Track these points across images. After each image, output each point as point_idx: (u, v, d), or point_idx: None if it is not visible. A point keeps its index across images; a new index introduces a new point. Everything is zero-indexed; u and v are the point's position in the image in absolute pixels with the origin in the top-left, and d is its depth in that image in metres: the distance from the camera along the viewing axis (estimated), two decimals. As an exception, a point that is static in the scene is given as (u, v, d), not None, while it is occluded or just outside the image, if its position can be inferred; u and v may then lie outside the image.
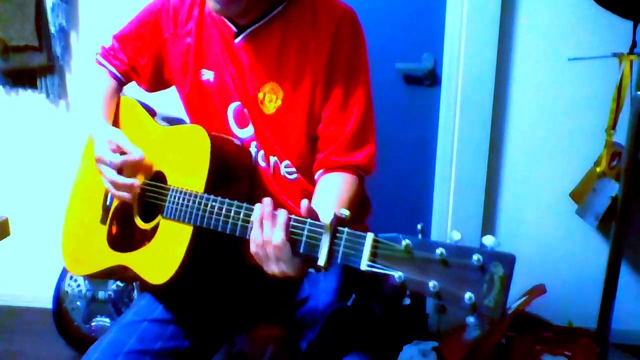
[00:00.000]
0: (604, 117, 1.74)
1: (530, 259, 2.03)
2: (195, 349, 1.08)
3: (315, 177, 1.09)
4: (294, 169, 1.12)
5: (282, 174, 1.12)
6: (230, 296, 1.15)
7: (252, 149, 1.13)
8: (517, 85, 1.92)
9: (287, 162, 1.11)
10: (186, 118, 1.24)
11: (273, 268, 0.86)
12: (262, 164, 1.13)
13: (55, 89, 2.10)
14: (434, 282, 0.68)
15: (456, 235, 0.69)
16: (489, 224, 2.02)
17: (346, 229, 0.78)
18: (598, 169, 1.79)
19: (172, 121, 1.23)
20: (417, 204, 2.08)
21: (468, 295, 0.65)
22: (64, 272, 1.92)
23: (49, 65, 2.06)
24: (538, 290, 1.91)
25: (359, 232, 0.77)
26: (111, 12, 2.02)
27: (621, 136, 1.66)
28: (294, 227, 0.83)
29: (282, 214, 0.85)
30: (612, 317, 1.67)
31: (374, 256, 0.74)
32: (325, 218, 0.80)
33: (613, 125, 1.71)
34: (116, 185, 1.08)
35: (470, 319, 0.66)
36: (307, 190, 1.10)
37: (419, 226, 0.74)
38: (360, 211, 1.24)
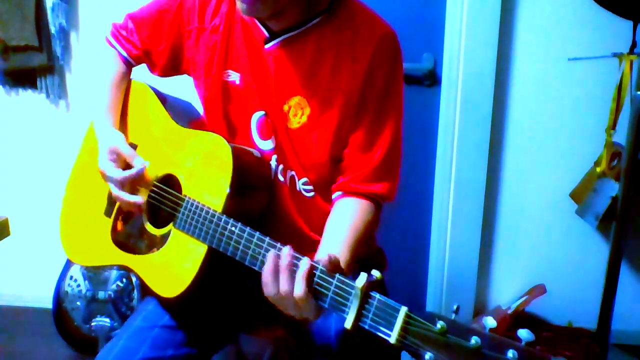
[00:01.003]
0: (604, 117, 1.74)
1: (530, 259, 2.03)
2: (204, 354, 1.07)
3: (333, 197, 1.05)
4: (311, 187, 1.07)
5: (298, 189, 1.08)
6: (238, 305, 1.13)
7: (273, 162, 1.08)
8: (517, 85, 1.91)
9: (305, 179, 1.07)
10: (198, 106, 1.18)
11: (293, 313, 0.83)
12: (281, 178, 1.08)
13: (55, 89, 2.10)
14: None
15: (491, 322, 0.68)
16: (489, 224, 2.02)
17: (377, 296, 0.75)
18: (598, 169, 1.79)
19: (183, 109, 1.18)
20: (417, 204, 2.07)
21: None
22: (64, 272, 1.91)
23: (49, 65, 2.06)
24: (538, 290, 1.91)
25: (392, 303, 0.74)
26: (111, 12, 2.02)
27: (621, 136, 1.66)
28: (320, 278, 0.80)
29: (304, 263, 0.80)
30: (612, 317, 1.67)
31: (405, 332, 0.72)
32: (359, 281, 0.76)
33: (613, 125, 1.71)
34: (121, 201, 1.06)
35: None
36: (323, 208, 1.07)
37: (454, 307, 0.72)
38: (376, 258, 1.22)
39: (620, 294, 1.66)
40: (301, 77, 1.02)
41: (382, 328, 0.74)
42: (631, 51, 1.62)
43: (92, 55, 1.98)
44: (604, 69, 1.81)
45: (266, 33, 1.03)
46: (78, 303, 1.88)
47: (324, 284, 0.79)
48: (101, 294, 1.86)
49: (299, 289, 0.79)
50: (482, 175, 1.96)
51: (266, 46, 1.03)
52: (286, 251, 0.83)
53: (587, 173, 1.87)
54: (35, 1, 1.98)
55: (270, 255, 0.83)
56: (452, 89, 1.91)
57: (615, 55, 1.67)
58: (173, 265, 0.99)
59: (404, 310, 0.72)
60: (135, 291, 1.86)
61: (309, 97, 1.02)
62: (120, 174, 1.04)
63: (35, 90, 2.11)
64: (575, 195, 1.91)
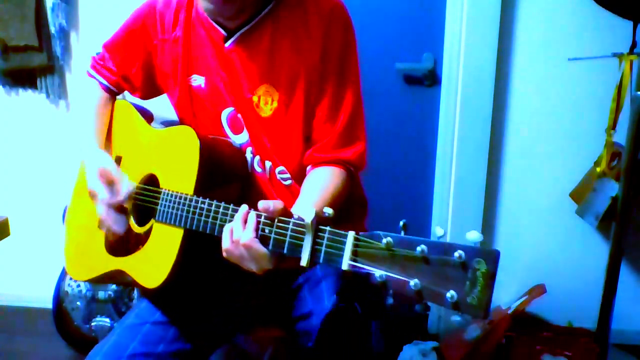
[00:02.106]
0: (604, 117, 1.74)
1: (530, 259, 2.03)
2: (197, 351, 1.08)
3: (307, 172, 1.09)
4: (288, 175, 1.11)
5: (277, 178, 1.11)
6: (228, 300, 1.14)
7: (248, 155, 1.11)
8: (517, 85, 1.91)
9: (281, 167, 1.10)
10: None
11: (252, 267, 0.86)
12: (259, 169, 1.12)
13: (55, 89, 2.10)
14: (415, 280, 0.66)
15: (439, 231, 0.68)
16: (489, 224, 2.02)
17: (328, 228, 0.77)
18: (598, 169, 1.79)
19: (169, 124, 1.22)
20: (417, 204, 2.08)
21: (450, 293, 0.63)
22: (64, 272, 1.92)
23: (49, 65, 2.06)
24: (538, 290, 1.91)
25: (340, 231, 0.75)
26: (111, 12, 2.02)
27: (621, 136, 1.66)
28: (279, 227, 0.82)
29: (252, 214, 0.84)
30: (612, 317, 1.67)
31: (355, 255, 0.73)
32: (307, 217, 0.78)
33: (613, 125, 1.71)
34: (106, 225, 1.08)
35: (456, 318, 0.65)
36: None
37: (401, 223, 0.73)
38: (358, 212, 1.23)
39: (620, 294, 1.66)
40: (264, 66, 1.07)
41: (334, 258, 0.75)
42: (631, 51, 1.62)
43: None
44: (604, 69, 1.81)
45: (224, 32, 1.08)
46: (78, 303, 1.88)
47: (281, 231, 0.82)
48: (101, 294, 1.86)
49: (247, 235, 0.83)
50: (482, 175, 1.96)
51: (226, 44, 1.08)
52: (243, 209, 0.86)
53: (587, 173, 1.87)
54: (35, 1, 1.98)
55: (229, 212, 0.89)
56: (452, 89, 1.91)
57: (615, 55, 1.67)
58: (155, 256, 1.02)
59: (351, 234, 0.74)
60: (135, 291, 1.86)
61: (275, 83, 1.07)
62: (108, 198, 1.07)
63: (35, 90, 2.12)
64: (575, 195, 1.91)
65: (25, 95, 2.16)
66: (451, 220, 2.00)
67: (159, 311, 1.08)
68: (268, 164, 1.11)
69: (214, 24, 1.08)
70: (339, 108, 1.07)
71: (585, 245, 1.99)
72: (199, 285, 1.10)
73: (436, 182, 2.03)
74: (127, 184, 1.08)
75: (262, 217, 0.84)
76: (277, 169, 1.11)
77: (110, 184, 1.08)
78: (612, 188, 1.74)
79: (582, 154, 1.89)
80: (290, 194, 1.11)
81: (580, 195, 1.88)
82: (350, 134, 1.08)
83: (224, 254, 0.88)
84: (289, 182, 1.11)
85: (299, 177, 1.10)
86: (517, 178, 1.99)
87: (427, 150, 2.02)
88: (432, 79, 1.97)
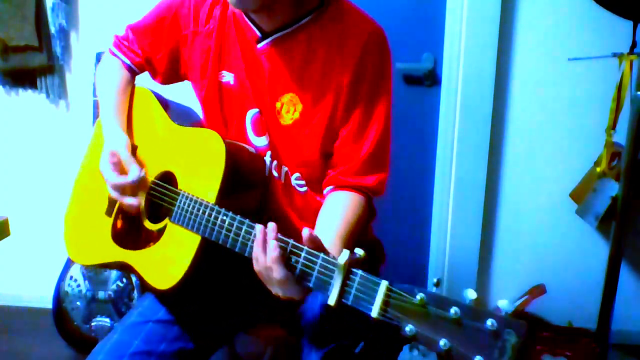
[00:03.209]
0: (604, 117, 1.74)
1: (530, 259, 2.03)
2: (198, 350, 1.08)
3: (325, 191, 1.08)
4: (304, 182, 1.10)
5: (292, 184, 1.11)
6: (233, 300, 1.14)
7: (267, 158, 1.11)
8: (517, 85, 1.91)
9: (297, 174, 1.10)
10: (199, 111, 1.21)
11: (276, 291, 0.85)
12: (275, 174, 1.11)
13: (55, 89, 2.10)
14: (445, 340, 0.67)
15: (471, 295, 0.69)
16: (489, 224, 2.02)
17: (360, 272, 0.76)
18: (598, 169, 1.79)
19: (184, 113, 1.20)
20: (417, 204, 2.08)
21: (478, 358, 0.65)
22: (64, 272, 1.92)
23: (49, 65, 2.06)
24: (538, 290, 1.91)
25: (373, 278, 0.75)
26: (111, 12, 2.02)
27: (621, 136, 1.66)
28: (306, 259, 0.82)
29: (271, 241, 0.83)
30: (612, 317, 1.67)
31: (386, 305, 0.73)
32: (341, 258, 0.77)
33: (613, 125, 1.71)
34: (120, 202, 1.08)
35: None
36: (316, 203, 1.09)
37: (434, 280, 0.73)
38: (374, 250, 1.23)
39: (620, 294, 1.66)
40: (293, 75, 1.05)
41: (364, 303, 0.75)
42: (631, 51, 1.62)
43: (91, 56, 1.98)
44: (604, 69, 1.81)
45: (258, 33, 1.07)
46: (78, 303, 1.88)
47: (309, 264, 0.81)
48: (101, 294, 1.86)
49: (279, 272, 0.82)
50: (482, 175, 1.96)
51: (259, 45, 1.07)
52: (271, 227, 0.85)
53: (587, 173, 1.87)
54: (35, 1, 1.98)
55: (259, 229, 0.87)
56: (452, 89, 1.91)
57: (615, 55, 1.67)
58: (168, 257, 1.01)
59: (384, 283, 0.74)
60: (135, 291, 1.86)
61: (300, 94, 1.05)
62: (115, 179, 1.06)
63: (35, 90, 2.12)
64: (575, 195, 1.91)
65: (25, 95, 2.16)
66: (451, 220, 2.00)
67: (162, 310, 1.08)
68: (284, 169, 1.10)
69: (250, 23, 1.07)
70: (366, 135, 1.05)
71: (585, 245, 1.99)
72: (207, 289, 1.09)
73: (436, 182, 2.03)
74: (136, 171, 1.06)
75: (289, 246, 0.83)
76: (294, 176, 1.10)
77: (119, 167, 1.07)
78: (612, 188, 1.74)
79: (582, 154, 1.89)
80: (304, 201, 1.11)
81: (580, 195, 1.88)
82: (375, 163, 1.06)
83: (257, 273, 0.87)
84: (304, 189, 1.11)
85: (314, 185, 1.10)
86: (517, 178, 1.99)
87: (427, 150, 2.02)
88: (432, 79, 1.97)
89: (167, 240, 1.03)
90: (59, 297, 1.90)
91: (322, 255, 0.81)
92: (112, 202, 1.15)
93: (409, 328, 0.70)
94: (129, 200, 1.06)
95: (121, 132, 1.14)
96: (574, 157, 1.92)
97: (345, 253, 0.77)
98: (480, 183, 1.96)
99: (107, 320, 1.87)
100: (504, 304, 0.63)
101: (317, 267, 0.80)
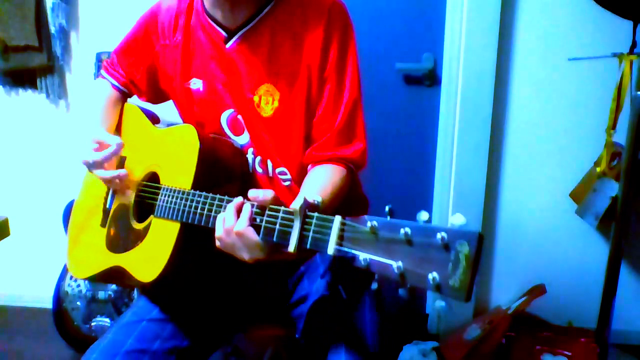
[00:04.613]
0: (604, 117, 1.74)
1: (530, 259, 2.03)
2: (194, 349, 1.08)
3: (308, 169, 1.09)
4: (288, 176, 1.11)
5: (278, 179, 1.12)
6: (226, 294, 1.15)
7: (250, 156, 1.12)
8: (517, 85, 1.92)
9: (281, 168, 1.11)
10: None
11: (243, 255, 0.86)
12: (259, 170, 1.12)
13: (55, 89, 2.10)
14: (398, 263, 0.66)
15: (424, 216, 0.68)
16: (489, 224, 2.02)
17: (315, 214, 0.77)
18: (598, 169, 1.79)
19: (167, 121, 1.24)
20: (417, 204, 2.07)
21: (432, 275, 0.62)
22: (64, 272, 1.92)
23: (49, 65, 2.06)
24: (538, 290, 1.91)
25: (327, 216, 0.76)
26: (111, 12, 2.02)
27: (621, 136, 1.66)
28: (269, 216, 0.83)
29: (246, 204, 0.85)
30: (612, 317, 1.67)
31: (341, 239, 0.73)
32: (296, 203, 0.78)
33: (613, 125, 1.71)
34: (108, 181, 1.11)
35: (440, 303, 0.64)
36: None
37: (387, 208, 0.73)
38: (357, 209, 1.24)
39: (620, 294, 1.66)
40: (265, 65, 1.07)
41: (320, 243, 0.75)
42: (631, 51, 1.61)
43: (91, 56, 1.98)
44: (604, 69, 1.81)
45: (224, 33, 1.09)
46: (78, 303, 1.88)
47: (271, 219, 0.82)
48: (101, 294, 1.86)
49: (241, 224, 0.84)
50: (482, 175, 1.96)
51: (227, 45, 1.09)
52: (240, 197, 0.87)
53: (587, 173, 1.87)
54: (35, 1, 1.98)
55: (223, 204, 0.90)
56: (452, 89, 1.91)
57: (615, 55, 1.67)
58: (152, 250, 1.03)
59: (338, 218, 0.74)
60: (135, 291, 1.86)
61: (275, 82, 1.07)
62: (99, 155, 1.08)
63: (35, 90, 2.12)
64: (575, 195, 1.91)
65: (25, 95, 2.16)
66: (451, 221, 2.00)
67: (156, 309, 1.09)
68: (269, 164, 1.11)
69: (215, 25, 1.10)
70: (338, 106, 1.07)
71: (585, 245, 1.99)
72: (196, 280, 1.10)
73: (436, 182, 2.03)
74: (116, 139, 1.09)
75: (254, 207, 0.85)
76: (278, 170, 1.11)
77: (101, 146, 1.10)
78: (612, 188, 1.74)
79: (582, 154, 1.89)
80: (291, 194, 1.11)
81: (580, 195, 1.88)
82: (350, 132, 1.08)
83: (217, 242, 0.88)
84: (288, 182, 1.12)
85: (299, 177, 1.10)
86: (517, 178, 1.99)
87: (427, 150, 2.02)
88: (432, 79, 1.97)
89: (152, 235, 1.04)
90: (59, 297, 1.91)
91: (282, 208, 0.82)
92: (106, 213, 1.18)
93: (362, 257, 0.69)
94: (114, 173, 1.09)
95: (95, 127, 1.17)
96: (574, 157, 1.92)
97: (300, 198, 0.78)
98: (480, 183, 1.96)
99: (107, 320, 1.87)
100: (457, 219, 0.61)
101: (278, 221, 0.82)
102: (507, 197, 2.01)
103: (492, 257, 2.06)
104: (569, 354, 1.78)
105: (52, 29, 2.02)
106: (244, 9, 1.07)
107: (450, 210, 2.00)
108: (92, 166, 1.10)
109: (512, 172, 1.99)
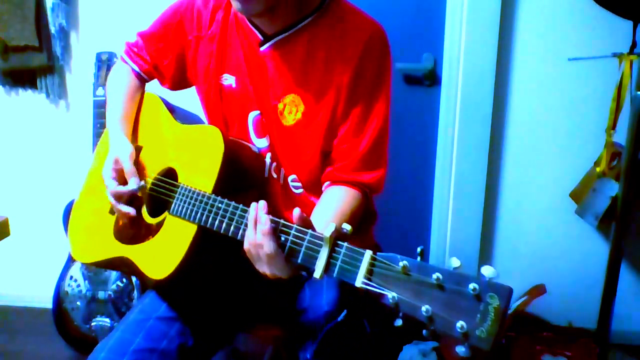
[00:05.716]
0: (604, 117, 1.74)
1: (530, 258, 2.03)
2: (198, 348, 1.08)
3: (323, 187, 1.09)
4: (299, 184, 1.12)
5: (289, 186, 1.12)
6: (233, 296, 1.15)
7: (267, 160, 1.13)
8: (517, 85, 1.91)
9: (293, 176, 1.11)
10: (204, 118, 1.23)
11: (264, 269, 0.87)
12: (274, 175, 1.13)
13: (55, 89, 2.10)
14: (427, 306, 0.67)
15: (455, 262, 0.69)
16: (489, 224, 2.02)
17: (345, 244, 0.78)
18: (598, 169, 1.79)
19: (189, 117, 1.23)
20: (416, 204, 2.07)
21: (460, 323, 0.64)
22: (64, 272, 1.92)
23: (49, 65, 2.06)
24: (538, 290, 1.91)
25: (357, 248, 0.76)
26: (111, 12, 2.02)
27: (621, 136, 1.66)
28: (295, 237, 0.83)
29: (270, 221, 0.85)
30: (612, 317, 1.67)
31: (370, 274, 0.74)
32: (327, 231, 0.78)
33: (613, 125, 1.71)
34: (115, 209, 1.10)
35: (461, 349, 0.65)
36: (312, 204, 1.10)
37: (418, 249, 0.73)
38: (366, 221, 1.24)
39: (620, 294, 1.66)
40: (295, 76, 1.06)
41: (348, 274, 0.76)
42: (631, 51, 1.61)
43: (91, 56, 1.98)
44: (604, 69, 1.81)
45: (260, 36, 1.08)
46: (78, 303, 1.88)
47: (297, 240, 0.83)
48: (101, 294, 1.86)
49: (269, 245, 0.84)
50: (482, 175, 1.96)
51: (261, 48, 1.08)
52: (262, 204, 0.87)
53: (587, 173, 1.87)
54: (35, 1, 1.98)
55: (252, 206, 0.89)
56: (452, 89, 1.91)
57: (615, 55, 1.67)
58: (165, 247, 1.02)
59: (368, 253, 0.75)
60: (135, 291, 1.86)
61: (302, 95, 1.07)
62: (115, 187, 1.08)
63: (35, 90, 2.12)
64: (575, 195, 1.91)
65: (25, 95, 2.16)
66: (451, 221, 2.00)
67: (162, 306, 1.09)
68: (282, 171, 1.12)
69: (252, 27, 1.09)
70: (364, 132, 1.06)
71: (585, 245, 1.99)
72: (206, 281, 1.10)
73: (436, 182, 2.03)
74: (135, 183, 1.08)
75: (280, 225, 0.85)
76: (290, 177, 1.12)
77: (121, 175, 1.09)
78: (612, 188, 1.74)
79: (582, 154, 1.89)
80: (300, 203, 1.12)
81: (580, 195, 1.88)
82: (372, 159, 1.07)
83: (246, 251, 0.89)
84: (299, 190, 1.12)
85: (310, 187, 1.11)
86: (517, 178, 1.99)
87: (427, 150, 2.02)
88: (432, 79, 1.97)
89: (165, 232, 1.04)
90: (59, 297, 1.91)
91: (310, 231, 0.82)
92: None
93: (391, 296, 0.70)
94: (125, 209, 1.08)
95: (126, 140, 1.16)
96: (574, 157, 1.92)
97: (332, 226, 0.78)
98: (480, 183, 1.96)
99: (107, 320, 1.87)
100: (487, 270, 0.62)
101: (305, 243, 0.82)
102: (507, 197, 2.01)
103: (492, 257, 2.06)
104: (569, 354, 1.78)
105: (52, 29, 2.02)
106: (282, 17, 1.06)
107: (450, 210, 2.00)
108: (108, 190, 1.10)
109: (512, 172, 1.98)
